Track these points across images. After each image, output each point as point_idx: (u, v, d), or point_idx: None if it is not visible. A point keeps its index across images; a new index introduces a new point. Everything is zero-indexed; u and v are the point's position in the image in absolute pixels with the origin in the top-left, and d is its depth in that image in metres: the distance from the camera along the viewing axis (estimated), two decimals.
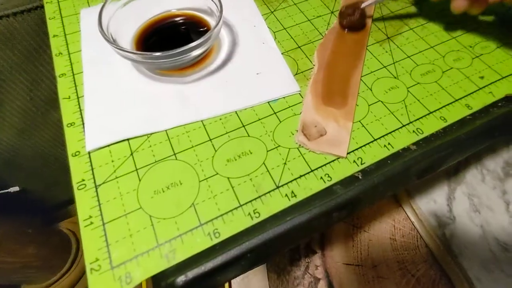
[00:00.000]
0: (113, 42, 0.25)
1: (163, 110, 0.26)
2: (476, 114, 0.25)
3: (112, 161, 0.23)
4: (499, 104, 0.26)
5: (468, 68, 0.28)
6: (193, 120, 0.25)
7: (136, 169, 0.23)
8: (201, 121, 0.25)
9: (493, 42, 0.30)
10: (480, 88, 0.27)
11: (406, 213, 0.46)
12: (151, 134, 0.24)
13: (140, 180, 0.22)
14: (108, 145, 0.24)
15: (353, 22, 0.30)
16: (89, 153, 0.23)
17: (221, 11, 0.27)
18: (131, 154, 0.23)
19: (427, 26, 0.32)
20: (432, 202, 0.47)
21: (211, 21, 0.30)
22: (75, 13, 0.33)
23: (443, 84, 0.27)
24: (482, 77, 0.28)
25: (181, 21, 0.30)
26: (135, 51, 0.26)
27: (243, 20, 0.32)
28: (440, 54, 0.29)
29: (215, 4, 0.28)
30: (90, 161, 0.23)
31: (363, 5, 0.30)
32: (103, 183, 0.22)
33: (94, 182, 0.22)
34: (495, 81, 0.27)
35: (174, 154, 0.24)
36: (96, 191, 0.22)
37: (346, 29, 0.31)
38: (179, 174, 0.23)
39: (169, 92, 0.27)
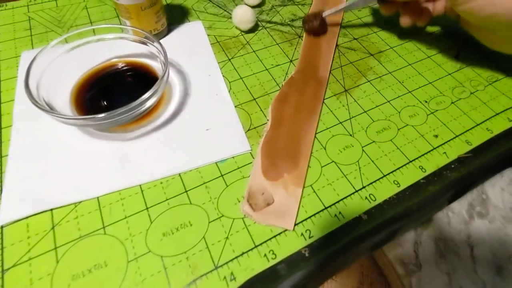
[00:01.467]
0: (45, 105, 0.23)
1: (98, 173, 0.23)
2: (430, 178, 0.25)
3: (28, 237, 0.20)
4: (452, 166, 0.26)
5: (423, 126, 0.28)
6: (131, 184, 0.23)
7: (56, 248, 0.20)
8: (139, 185, 0.23)
9: (448, 97, 0.30)
10: (434, 148, 0.27)
11: (374, 259, 0.45)
12: (80, 202, 0.22)
13: (57, 262, 0.19)
14: (27, 217, 0.21)
15: (314, 27, 0.34)
16: (1, 227, 0.20)
17: (165, 58, 0.25)
18: (52, 228, 0.21)
19: (384, 79, 0.32)
20: (399, 247, 0.46)
21: (157, 67, 0.28)
22: (15, 55, 0.30)
23: (398, 143, 0.27)
24: (436, 136, 0.27)
25: (125, 70, 0.29)
26: (70, 117, 0.23)
27: (198, 68, 0.30)
28: (396, 109, 0.29)
29: (157, 48, 0.26)
30: (1, 237, 0.20)
31: (324, 14, 0.33)
32: (13, 266, 0.19)
33: (2, 265, 0.19)
34: (449, 140, 0.27)
35: (103, 227, 0.21)
36: (2, 278, 0.19)
37: (310, 34, 0.34)
38: (105, 253, 0.20)
39: (107, 151, 0.24)
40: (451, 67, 0.33)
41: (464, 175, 0.25)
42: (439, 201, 0.23)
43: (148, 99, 0.24)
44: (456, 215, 0.47)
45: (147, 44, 0.27)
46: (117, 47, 0.28)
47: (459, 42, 0.36)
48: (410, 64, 0.33)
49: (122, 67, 0.29)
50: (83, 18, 0.35)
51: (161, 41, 0.32)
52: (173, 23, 0.35)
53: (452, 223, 0.46)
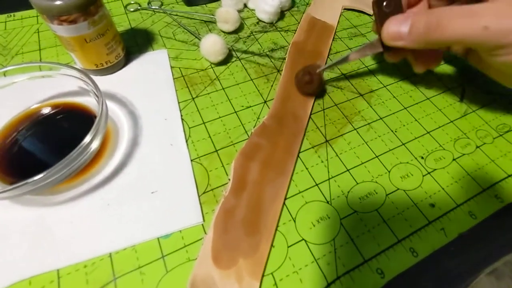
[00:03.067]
0: None
1: (5, 252, 0.19)
2: (423, 266, 0.20)
3: None
4: (452, 248, 0.21)
5: (417, 191, 0.23)
6: (45, 270, 0.18)
7: None
8: (57, 270, 0.19)
9: (449, 152, 0.26)
10: (430, 223, 0.22)
11: None
12: None
13: None
14: None
15: (314, 90, 0.28)
16: None
17: (99, 93, 0.21)
18: None
19: (374, 126, 0.27)
20: None
21: (95, 105, 0.23)
22: None
23: (385, 215, 0.22)
24: (433, 205, 0.23)
25: (56, 115, 0.24)
26: None
27: (155, 110, 0.26)
28: (386, 167, 0.24)
29: (88, 83, 0.22)
30: None
31: (319, 70, 0.27)
32: None
33: None
34: (448, 212, 0.22)
35: None
36: None
37: (306, 95, 0.28)
38: None
39: (20, 223, 0.20)
40: (454, 113, 0.28)
41: (466, 268, 0.20)
42: None
43: (89, 144, 0.20)
44: None
45: (81, 81, 0.23)
46: (47, 87, 0.24)
47: (463, 79, 0.31)
48: (405, 108, 0.29)
49: (55, 111, 0.24)
50: (32, 44, 0.30)
51: (115, 74, 0.28)
52: (134, 52, 0.30)
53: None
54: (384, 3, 0.23)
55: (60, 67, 0.23)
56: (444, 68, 0.32)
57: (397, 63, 0.31)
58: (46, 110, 0.24)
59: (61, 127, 0.24)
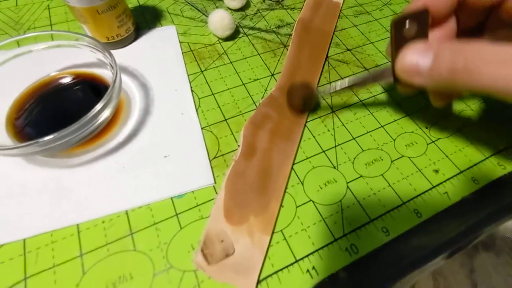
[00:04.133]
0: None
1: (27, 208, 0.20)
2: (426, 226, 0.21)
3: None
4: (453, 210, 0.22)
5: (421, 158, 0.24)
6: (66, 224, 0.19)
7: None
8: (77, 225, 0.20)
9: (453, 122, 0.26)
10: (434, 187, 0.22)
11: None
12: (1, 245, 0.19)
13: None
14: None
15: (311, 107, 0.26)
16: None
17: (114, 64, 0.22)
18: None
19: (379, 98, 0.28)
20: None
21: (110, 77, 0.24)
22: None
23: (390, 179, 0.23)
24: (436, 171, 0.23)
25: (72, 83, 0.25)
26: (4, 147, 0.19)
27: (165, 81, 0.27)
28: (391, 136, 0.25)
29: (105, 56, 0.22)
30: None
31: (323, 92, 0.24)
32: None
33: None
34: (452, 177, 0.23)
35: (25, 278, 0.17)
36: None
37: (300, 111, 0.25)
38: None
39: (42, 182, 0.21)
40: None
41: (468, 225, 0.21)
42: (435, 259, 0.19)
43: (100, 112, 0.20)
44: None
45: (97, 52, 0.23)
46: (64, 57, 0.24)
47: None
48: None
49: (71, 80, 0.25)
50: (43, 19, 0.31)
51: (126, 48, 0.29)
52: (143, 28, 0.31)
53: (455, 255, 0.41)
54: (407, 25, 0.18)
55: (77, 36, 0.23)
56: None
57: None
58: (63, 79, 0.25)
59: (77, 95, 0.24)
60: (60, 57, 0.24)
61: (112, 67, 0.22)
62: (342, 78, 0.28)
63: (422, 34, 0.18)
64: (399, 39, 0.18)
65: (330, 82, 0.28)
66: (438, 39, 0.18)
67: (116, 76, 0.22)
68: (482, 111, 0.27)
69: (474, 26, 0.21)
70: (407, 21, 0.17)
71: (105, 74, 0.25)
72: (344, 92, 0.25)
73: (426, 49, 0.16)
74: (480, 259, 0.40)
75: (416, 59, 0.17)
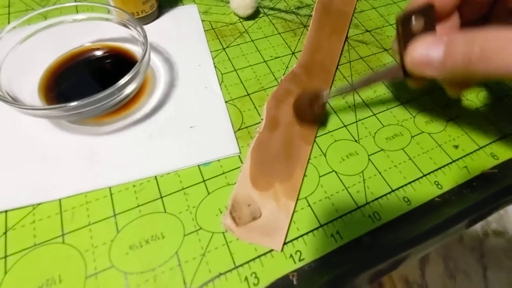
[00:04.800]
0: (6, 95, 0.20)
1: (62, 171, 0.20)
2: (446, 196, 0.21)
3: None
4: (474, 183, 0.22)
5: (441, 134, 0.24)
6: (99, 186, 0.20)
7: (5, 256, 0.17)
8: (109, 188, 0.20)
9: (472, 102, 0.26)
10: (453, 161, 0.23)
11: None
12: (38, 204, 0.19)
13: (5, 273, 0.17)
14: None
15: (319, 117, 0.24)
16: None
17: (145, 39, 0.22)
18: (5, 232, 0.18)
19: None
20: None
21: (139, 53, 0.25)
22: None
23: (410, 153, 0.23)
24: (456, 146, 0.24)
25: (102, 56, 0.25)
26: (37, 107, 0.20)
27: (188, 57, 0.27)
28: (411, 113, 0.25)
29: (138, 32, 0.23)
30: None
31: (327, 99, 0.23)
32: None
33: None
34: (471, 153, 0.23)
35: (63, 234, 0.18)
36: None
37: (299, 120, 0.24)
38: (61, 266, 0.17)
39: (75, 147, 0.21)
40: None
41: (487, 195, 0.21)
42: (455, 228, 0.20)
43: (127, 84, 0.21)
44: (469, 232, 0.43)
45: (129, 27, 0.24)
46: (95, 30, 0.25)
47: None
48: None
49: (101, 52, 0.25)
50: None
51: (149, 25, 0.29)
52: (165, 6, 0.31)
53: (465, 240, 0.42)
54: (413, 21, 0.17)
55: (109, 9, 0.24)
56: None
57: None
58: (95, 51, 0.25)
59: (107, 68, 0.25)
60: (92, 30, 0.25)
61: (143, 43, 0.23)
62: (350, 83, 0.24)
63: (429, 28, 0.18)
64: (406, 35, 0.18)
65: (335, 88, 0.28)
66: (445, 32, 0.18)
67: (145, 52, 0.22)
68: (500, 90, 0.27)
69: (477, 18, 0.21)
70: (413, 17, 0.17)
71: (134, 49, 0.26)
72: (348, 92, 0.24)
73: (436, 41, 0.16)
74: (491, 245, 0.40)
75: (427, 51, 0.17)
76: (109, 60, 0.25)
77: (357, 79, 0.22)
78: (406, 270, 0.44)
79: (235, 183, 0.21)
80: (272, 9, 0.33)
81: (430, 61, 0.17)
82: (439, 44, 0.16)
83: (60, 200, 0.19)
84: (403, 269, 0.44)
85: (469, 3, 0.20)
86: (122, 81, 0.21)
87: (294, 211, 0.20)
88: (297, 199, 0.20)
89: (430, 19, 0.18)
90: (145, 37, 0.22)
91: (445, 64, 0.16)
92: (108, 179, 0.20)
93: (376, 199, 0.21)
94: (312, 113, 0.23)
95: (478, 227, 0.41)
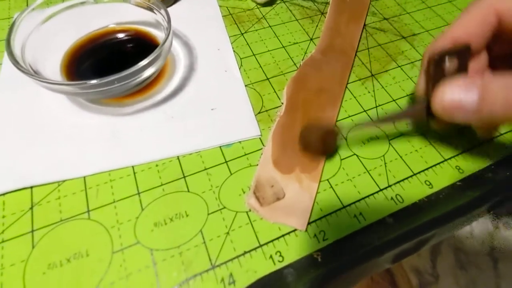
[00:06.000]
0: (29, 69, 0.20)
1: (86, 149, 0.20)
2: (468, 180, 0.21)
3: (3, 216, 0.18)
4: (496, 167, 0.22)
5: None
6: (122, 165, 0.20)
7: (32, 231, 0.18)
8: (132, 167, 0.20)
9: None
10: (475, 147, 0.23)
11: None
12: (63, 181, 0.20)
13: (33, 247, 0.17)
14: (3, 194, 0.19)
15: (333, 148, 0.22)
16: None
17: (169, 24, 0.22)
18: (31, 208, 0.18)
19: (417, 65, 0.28)
20: (415, 254, 0.43)
21: (161, 37, 0.25)
22: (8, 16, 0.28)
23: (431, 138, 0.23)
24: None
25: (124, 38, 0.25)
26: (57, 82, 0.20)
27: (207, 41, 0.27)
28: None
29: (162, 16, 0.23)
30: None
31: (345, 132, 0.22)
32: None
33: None
34: (493, 138, 0.24)
35: (88, 211, 0.18)
36: None
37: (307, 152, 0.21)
38: (88, 241, 0.17)
39: (98, 126, 0.22)
40: None
41: (509, 178, 0.21)
42: (478, 210, 0.20)
43: (146, 67, 0.21)
44: (479, 224, 0.43)
45: (153, 10, 0.24)
46: (118, 11, 0.25)
47: None
48: None
49: (123, 34, 0.25)
50: None
51: (168, 9, 0.29)
52: None
53: (475, 233, 0.42)
54: (447, 62, 0.17)
55: None
56: None
57: (441, 11, 0.31)
58: (118, 33, 0.26)
59: (128, 49, 0.25)
60: (116, 12, 0.25)
61: (166, 28, 0.23)
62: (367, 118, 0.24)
63: (462, 69, 0.17)
64: (436, 75, 0.17)
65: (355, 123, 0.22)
66: (475, 73, 0.18)
67: (168, 36, 0.22)
68: None
69: (505, 54, 0.20)
70: (447, 57, 0.17)
71: (156, 33, 0.26)
72: (366, 127, 0.23)
73: (469, 85, 0.16)
74: (501, 237, 0.40)
75: (459, 95, 0.16)
76: (130, 43, 0.25)
77: (377, 117, 0.22)
78: (416, 261, 0.44)
79: (257, 164, 0.21)
80: None
81: (462, 107, 0.16)
82: (472, 88, 0.16)
83: (84, 177, 0.20)
84: (414, 260, 0.44)
85: (500, 41, 0.19)
86: (142, 63, 0.21)
87: (316, 193, 0.20)
88: (320, 181, 0.20)
89: (464, 59, 0.17)
90: (169, 21, 0.22)
91: (481, 110, 0.15)
92: (130, 159, 0.20)
93: (398, 182, 0.21)
94: (322, 148, 0.21)
95: (488, 220, 0.41)
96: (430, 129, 0.23)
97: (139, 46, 0.25)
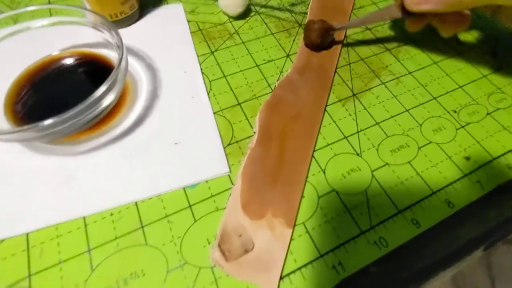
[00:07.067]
0: None
1: (30, 200, 0.18)
2: (459, 216, 0.19)
3: None
4: (490, 199, 0.20)
5: (451, 144, 0.22)
6: (73, 216, 0.18)
7: None
8: (83, 218, 0.18)
9: (483, 106, 0.24)
10: (465, 175, 0.21)
11: None
12: (2, 240, 0.17)
13: None
14: None
15: (324, 44, 0.26)
16: None
17: (121, 43, 0.20)
18: None
19: (402, 81, 0.26)
20: None
21: (116, 60, 0.22)
22: None
23: (418, 167, 0.21)
24: (468, 158, 0.22)
25: (75, 64, 0.23)
26: (3, 131, 0.18)
27: (173, 63, 0.25)
28: (417, 121, 0.23)
29: (112, 35, 0.21)
30: None
31: (337, 27, 0.25)
32: None
33: None
34: (484, 164, 0.21)
35: (29, 275, 0.16)
36: None
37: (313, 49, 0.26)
38: None
39: (44, 171, 0.19)
40: (487, 67, 0.27)
41: (508, 214, 0.19)
42: (472, 252, 0.18)
43: (105, 95, 0.19)
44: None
45: (102, 30, 0.21)
46: (67, 35, 0.22)
47: (495, 33, 0.29)
48: (435, 63, 0.27)
49: (74, 60, 0.23)
50: None
51: (130, 28, 0.27)
52: (148, 5, 0.29)
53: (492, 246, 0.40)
54: None
55: (81, 11, 0.21)
56: (476, 22, 0.30)
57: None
58: (66, 59, 0.23)
59: (80, 78, 0.23)
60: (62, 36, 0.23)
61: (118, 47, 0.20)
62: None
63: None
64: None
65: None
66: None
67: (122, 57, 0.20)
68: None
69: None
70: None
71: (110, 55, 0.23)
72: (356, 26, 0.28)
73: None
74: (498, 256, 0.38)
75: None
76: (84, 69, 0.23)
77: (355, 19, 0.27)
78: None
79: (225, 208, 0.19)
80: (264, 6, 0.30)
81: None
82: None
83: (27, 234, 0.17)
84: None
85: None
86: (100, 91, 0.18)
87: (290, 240, 0.18)
88: (294, 225, 0.18)
89: None
90: (119, 40, 0.20)
91: None
92: (82, 208, 0.18)
93: (382, 222, 0.19)
94: (319, 41, 0.25)
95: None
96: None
97: (94, 72, 0.23)
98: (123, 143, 0.21)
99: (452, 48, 0.28)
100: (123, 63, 0.20)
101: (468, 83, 0.26)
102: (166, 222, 0.18)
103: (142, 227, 0.18)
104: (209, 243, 0.17)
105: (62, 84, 0.22)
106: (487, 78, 0.26)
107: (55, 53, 0.23)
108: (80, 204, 0.18)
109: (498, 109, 0.24)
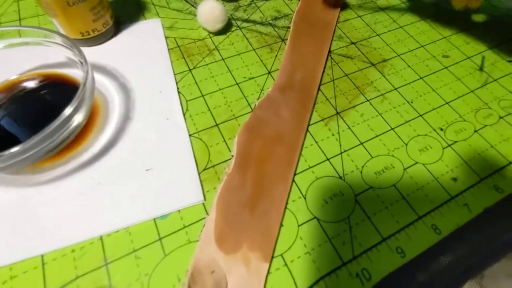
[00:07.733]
0: None
1: None
2: (446, 243, 0.18)
3: None
4: (476, 223, 0.19)
5: (437, 164, 0.21)
6: (29, 255, 0.16)
7: None
8: (41, 256, 0.17)
9: (470, 123, 0.23)
10: (452, 198, 0.20)
11: None
12: None
13: None
14: None
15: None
16: None
17: (84, 61, 0.19)
18: None
19: (388, 97, 0.25)
20: None
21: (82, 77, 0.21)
22: None
23: (403, 191, 0.20)
24: (455, 179, 0.21)
25: (38, 87, 0.22)
26: None
27: (148, 82, 0.23)
28: (403, 140, 0.22)
29: (75, 53, 0.19)
30: None
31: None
32: None
33: None
34: (472, 186, 0.20)
35: None
36: None
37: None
38: None
39: (2, 205, 0.18)
40: (474, 82, 0.26)
41: (495, 240, 0.18)
42: (459, 280, 0.17)
43: (72, 115, 0.17)
44: None
45: (66, 49, 0.20)
46: (30, 56, 0.21)
47: (481, 48, 0.29)
48: (421, 78, 0.26)
49: (37, 83, 0.22)
50: (11, 14, 0.28)
51: (104, 45, 0.26)
52: (125, 21, 0.28)
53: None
54: None
55: (44, 32, 0.20)
56: (463, 36, 0.30)
57: (414, 31, 0.29)
58: (29, 82, 0.22)
59: (44, 100, 0.21)
60: (26, 57, 0.21)
61: (82, 64, 0.19)
62: None
63: None
64: None
65: None
66: None
67: (87, 75, 0.19)
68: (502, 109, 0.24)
69: None
70: None
71: (77, 74, 0.22)
72: (335, 10, 0.30)
73: None
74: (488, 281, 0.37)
75: None
76: (48, 91, 0.21)
77: None
78: None
79: (198, 240, 0.18)
80: (246, 21, 0.29)
81: None
82: None
83: None
84: None
85: None
86: (66, 113, 0.17)
87: (267, 274, 0.17)
88: (272, 258, 0.17)
89: None
90: (83, 57, 0.19)
91: None
92: (41, 244, 0.17)
93: (365, 251, 0.18)
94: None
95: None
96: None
97: (59, 94, 0.21)
98: (91, 170, 0.19)
99: (439, 62, 0.27)
100: (88, 81, 0.19)
101: (455, 99, 0.25)
102: (134, 257, 0.17)
103: (107, 264, 0.16)
104: (179, 280, 0.16)
105: (26, 108, 0.20)
106: (474, 93, 0.25)
107: (14, 77, 0.21)
108: (39, 240, 0.17)
109: (485, 125, 0.23)
